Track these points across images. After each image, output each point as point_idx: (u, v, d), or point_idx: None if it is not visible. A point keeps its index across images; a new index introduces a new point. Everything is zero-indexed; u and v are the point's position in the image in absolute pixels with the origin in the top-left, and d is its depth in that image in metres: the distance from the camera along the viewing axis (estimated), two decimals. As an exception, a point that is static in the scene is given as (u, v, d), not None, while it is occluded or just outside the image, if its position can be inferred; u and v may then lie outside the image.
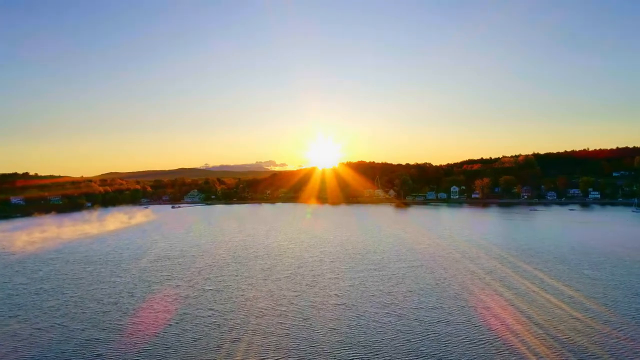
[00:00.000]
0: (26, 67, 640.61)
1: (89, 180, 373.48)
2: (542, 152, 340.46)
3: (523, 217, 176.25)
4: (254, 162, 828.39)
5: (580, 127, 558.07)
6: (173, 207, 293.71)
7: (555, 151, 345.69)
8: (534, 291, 60.79)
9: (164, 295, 63.29)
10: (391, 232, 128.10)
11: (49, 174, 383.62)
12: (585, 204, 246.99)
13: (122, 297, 63.29)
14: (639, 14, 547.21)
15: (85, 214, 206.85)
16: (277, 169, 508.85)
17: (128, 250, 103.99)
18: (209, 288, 66.90)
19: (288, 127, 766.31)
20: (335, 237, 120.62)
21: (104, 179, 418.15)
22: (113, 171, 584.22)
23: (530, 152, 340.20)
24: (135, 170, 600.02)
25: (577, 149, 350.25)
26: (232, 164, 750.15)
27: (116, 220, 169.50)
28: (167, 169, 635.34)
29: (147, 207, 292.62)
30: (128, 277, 76.38)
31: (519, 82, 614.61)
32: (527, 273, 71.53)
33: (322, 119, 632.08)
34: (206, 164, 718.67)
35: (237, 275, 75.14)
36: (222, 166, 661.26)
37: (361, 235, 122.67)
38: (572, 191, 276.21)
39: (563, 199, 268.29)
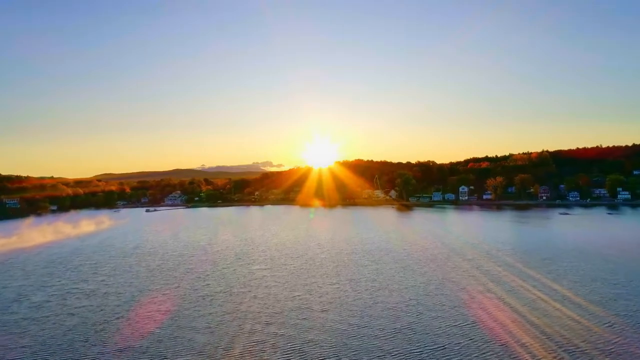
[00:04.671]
0: (24, 67, 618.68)
1: (64, 183, 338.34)
2: (551, 149, 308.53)
3: (561, 224, 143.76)
4: (250, 162, 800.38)
5: (581, 126, 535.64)
6: (147, 211, 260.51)
7: (566, 148, 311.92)
8: None
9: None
10: (403, 246, 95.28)
11: (16, 174, 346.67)
12: (613, 206, 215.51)
13: None
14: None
15: (26, 221, 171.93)
16: (274, 169, 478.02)
17: (18, 284, 70.27)
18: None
19: (286, 127, 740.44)
20: (331, 256, 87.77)
21: (79, 181, 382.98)
22: (108, 172, 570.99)
23: (531, 150, 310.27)
24: (130, 171, 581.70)
25: (589, 146, 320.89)
26: (228, 164, 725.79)
27: (54, 231, 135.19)
28: (162, 169, 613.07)
29: (117, 211, 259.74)
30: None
31: (519, 81, 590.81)
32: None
33: (321, 120, 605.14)
34: (202, 165, 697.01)
35: (156, 351, 41.90)
36: (218, 167, 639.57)
37: (366, 253, 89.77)
38: (597, 191, 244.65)
39: (588, 200, 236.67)
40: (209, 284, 66.49)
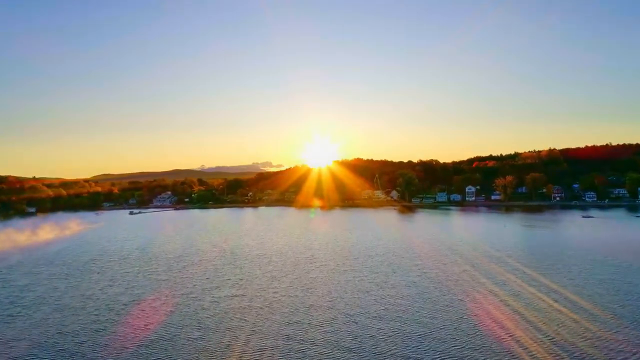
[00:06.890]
0: (24, 67, 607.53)
1: (48, 184, 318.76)
2: (558, 148, 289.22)
3: (591, 230, 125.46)
4: (250, 163, 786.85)
5: (582, 126, 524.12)
6: (131, 214, 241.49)
7: (566, 148, 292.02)
8: None
9: None
10: (415, 261, 76.80)
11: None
12: (634, 207, 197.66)
13: None
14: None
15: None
16: (273, 170, 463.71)
17: None
18: None
19: (286, 127, 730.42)
20: (324, 276, 69.26)
21: (65, 182, 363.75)
22: (106, 172, 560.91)
23: (533, 150, 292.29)
24: (129, 172, 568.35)
25: (598, 144, 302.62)
26: (228, 165, 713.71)
27: (4, 239, 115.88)
28: (162, 170, 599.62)
29: (97, 214, 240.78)
30: None
31: (519, 81, 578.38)
32: None
33: (321, 120, 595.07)
34: (202, 165, 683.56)
35: None
36: (218, 167, 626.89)
37: (369, 272, 71.21)
38: (616, 191, 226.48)
39: (606, 201, 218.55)
40: (148, 324, 47.67)
